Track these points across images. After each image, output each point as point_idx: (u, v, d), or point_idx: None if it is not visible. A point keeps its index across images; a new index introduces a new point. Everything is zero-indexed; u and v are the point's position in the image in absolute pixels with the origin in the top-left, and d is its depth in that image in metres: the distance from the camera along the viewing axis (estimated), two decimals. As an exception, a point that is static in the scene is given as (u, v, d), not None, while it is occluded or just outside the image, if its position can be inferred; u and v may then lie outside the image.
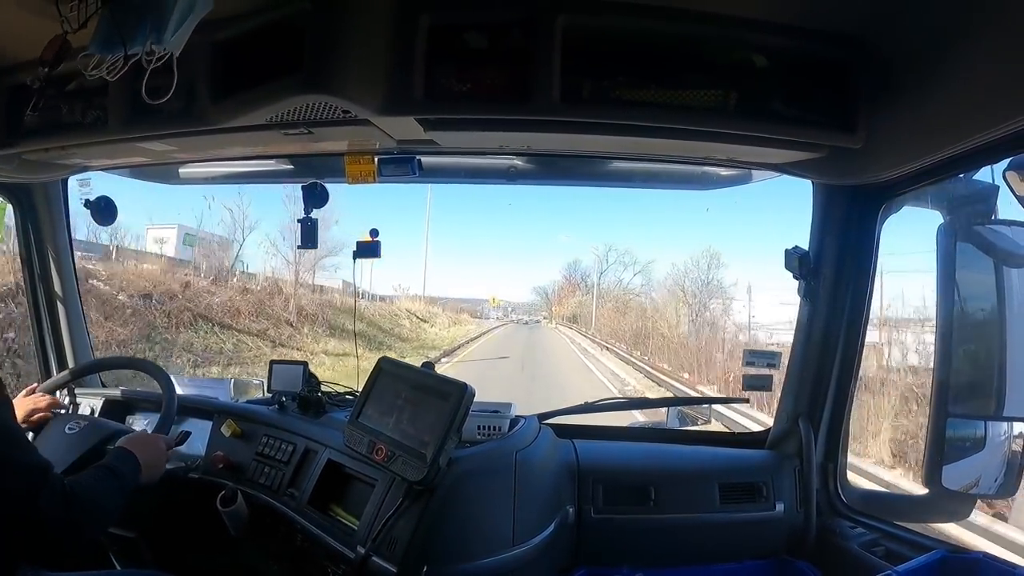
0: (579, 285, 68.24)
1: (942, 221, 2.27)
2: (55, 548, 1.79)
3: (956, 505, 2.53)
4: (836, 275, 2.58)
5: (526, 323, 67.38)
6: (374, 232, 3.12)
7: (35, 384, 2.86)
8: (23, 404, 2.69)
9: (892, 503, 3.08)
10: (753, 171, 2.77)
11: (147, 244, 26.51)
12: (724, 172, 2.90)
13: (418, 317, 40.40)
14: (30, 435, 2.72)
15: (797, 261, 2.62)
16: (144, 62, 1.67)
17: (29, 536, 1.73)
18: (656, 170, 3.00)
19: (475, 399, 2.15)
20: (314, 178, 3.03)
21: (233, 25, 2.00)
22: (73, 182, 3.27)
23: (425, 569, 2.06)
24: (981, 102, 1.70)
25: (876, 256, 2.52)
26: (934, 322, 2.30)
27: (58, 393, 3.12)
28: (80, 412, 3.11)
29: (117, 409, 3.13)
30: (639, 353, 33.47)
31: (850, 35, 1.96)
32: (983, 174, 2.12)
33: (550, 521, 2.42)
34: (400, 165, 2.75)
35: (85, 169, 3.08)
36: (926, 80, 1.84)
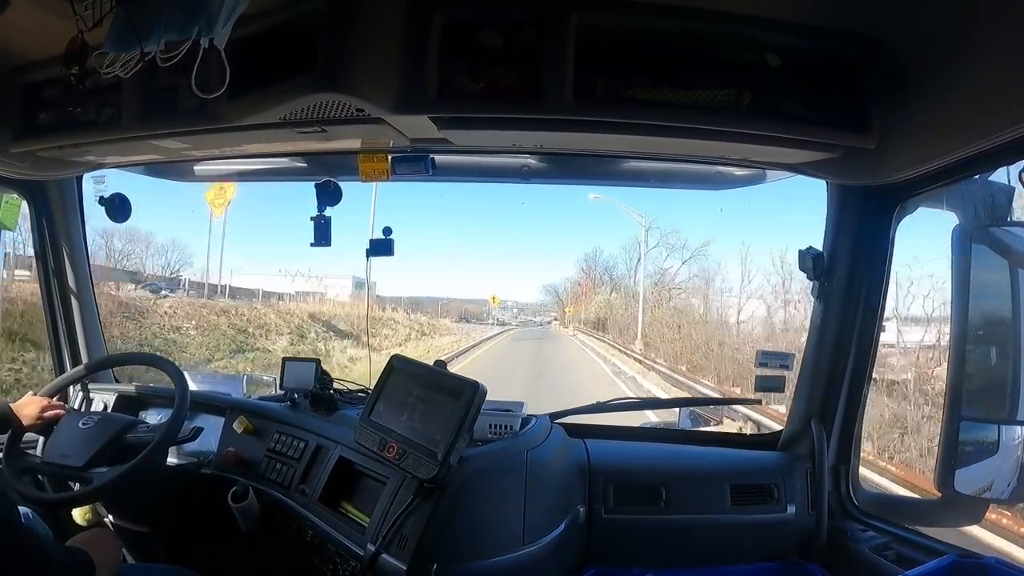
0: (600, 280, 52.90)
1: (957, 223, 2.26)
2: None
3: (968, 509, 2.51)
4: (850, 276, 2.57)
5: (538, 324, 60.64)
6: (387, 230, 3.13)
7: (33, 390, 2.85)
8: (31, 403, 2.70)
9: (904, 506, 3.06)
10: (767, 171, 2.76)
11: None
12: (738, 172, 2.88)
13: (335, 330, 25.55)
14: (40, 439, 2.75)
15: (811, 262, 2.61)
16: (159, 60, 1.67)
17: None
18: (670, 170, 2.99)
19: (487, 397, 2.16)
20: (327, 176, 3.04)
21: (247, 24, 2.00)
22: (88, 179, 3.29)
23: (435, 567, 2.07)
24: (997, 102, 1.69)
25: (891, 257, 2.51)
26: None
27: (71, 390, 3.15)
28: (93, 408, 3.14)
29: (130, 404, 3.15)
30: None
31: (863, 34, 1.95)
32: (999, 175, 2.11)
33: (560, 520, 2.42)
34: (413, 163, 2.76)
35: (100, 166, 3.10)
36: (940, 80, 1.83)
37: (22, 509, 2.27)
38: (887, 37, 1.93)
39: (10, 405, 2.66)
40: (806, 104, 2.02)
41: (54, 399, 2.83)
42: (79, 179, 3.28)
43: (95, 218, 3.32)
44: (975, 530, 5.53)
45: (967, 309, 2.21)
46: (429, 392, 2.22)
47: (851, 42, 1.96)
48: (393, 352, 2.87)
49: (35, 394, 2.79)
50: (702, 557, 2.63)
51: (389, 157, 2.77)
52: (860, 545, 2.51)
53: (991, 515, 5.93)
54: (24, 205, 3.23)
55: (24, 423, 2.65)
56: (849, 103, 2.01)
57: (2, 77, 2.51)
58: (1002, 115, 1.68)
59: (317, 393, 2.87)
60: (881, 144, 2.02)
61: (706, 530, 2.65)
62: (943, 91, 1.83)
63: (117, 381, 3.48)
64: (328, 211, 3.10)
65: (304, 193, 3.11)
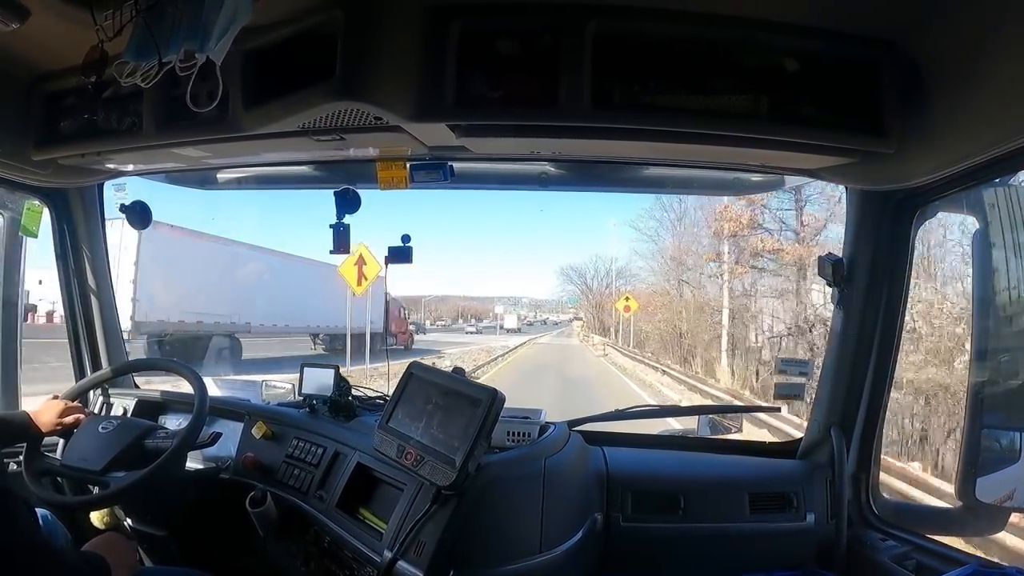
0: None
1: (978, 227, 2.24)
2: None
3: (990, 518, 2.49)
4: (870, 282, 2.55)
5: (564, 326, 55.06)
6: (405, 238, 3.14)
7: (54, 394, 2.87)
8: (50, 409, 2.73)
9: (924, 515, 3.04)
10: (786, 176, 2.74)
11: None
12: (756, 177, 2.87)
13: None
14: (61, 442, 2.77)
15: (831, 268, 2.59)
16: (178, 69, 1.69)
17: None
18: (688, 176, 2.98)
19: (505, 405, 2.15)
20: (346, 183, 3.06)
21: (266, 34, 2.02)
22: (109, 187, 3.32)
23: (452, 573, 2.07)
24: (1017, 103, 1.67)
25: (911, 262, 2.49)
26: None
27: (91, 394, 3.17)
28: (113, 413, 3.16)
29: (149, 409, 3.18)
30: None
31: (881, 37, 1.94)
32: (1020, 178, 2.10)
33: (578, 528, 2.42)
34: (432, 171, 2.76)
35: (120, 174, 3.12)
36: (959, 82, 1.81)
37: (40, 511, 2.30)
38: (905, 40, 1.91)
39: (29, 414, 2.69)
40: (824, 109, 2.01)
41: (75, 402, 2.85)
42: (100, 187, 3.30)
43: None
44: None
45: (989, 315, 2.20)
46: (447, 399, 2.21)
47: (869, 46, 1.95)
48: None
49: (56, 397, 2.81)
50: (720, 566, 2.62)
51: (408, 165, 2.77)
52: (880, 555, 2.49)
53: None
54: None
55: (43, 430, 2.67)
56: (868, 107, 1.99)
57: (24, 86, 2.54)
58: (1022, 116, 1.67)
59: (336, 399, 2.88)
60: (900, 148, 2.00)
61: (724, 539, 2.64)
62: (962, 93, 1.82)
63: (137, 386, 3.51)
64: (347, 219, 3.12)
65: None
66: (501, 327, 59.77)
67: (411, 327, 35.99)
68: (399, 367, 2.55)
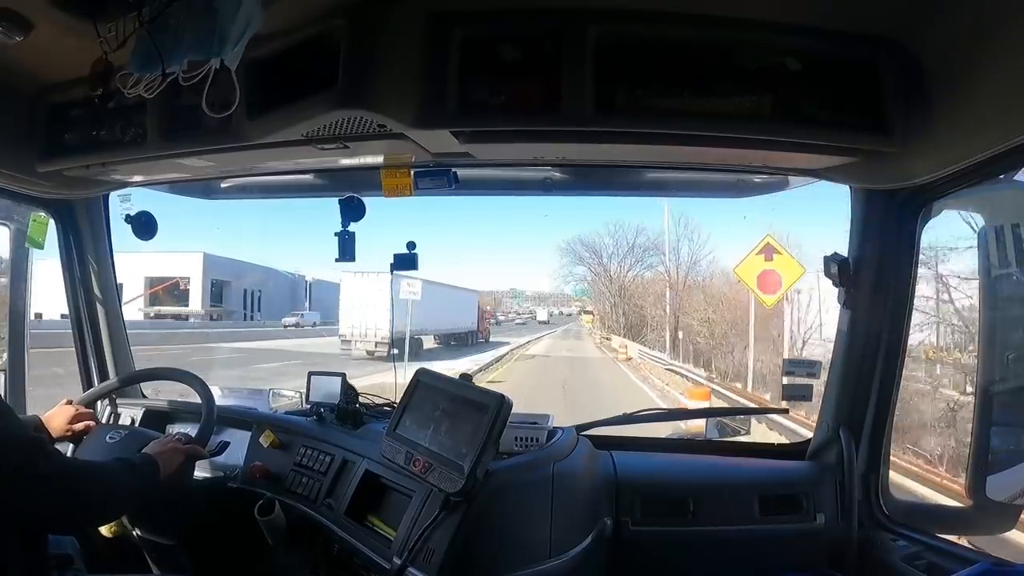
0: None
1: (983, 224, 2.23)
2: (56, 513, 1.88)
3: (1000, 516, 2.48)
4: (876, 281, 2.53)
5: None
6: (411, 245, 3.14)
7: (68, 399, 2.88)
8: (61, 413, 2.74)
9: (935, 515, 3.02)
10: (790, 177, 2.74)
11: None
12: (760, 179, 2.87)
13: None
14: (71, 447, 2.78)
15: (836, 268, 2.58)
16: (181, 80, 1.69)
17: (30, 502, 1.79)
18: (691, 179, 2.97)
19: (512, 410, 2.15)
20: (351, 191, 3.05)
21: (269, 43, 2.03)
22: (114, 197, 3.32)
23: None
24: (1019, 99, 1.66)
25: (916, 261, 2.48)
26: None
27: (99, 404, 3.17)
28: (121, 422, 3.17)
29: (157, 419, 3.18)
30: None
31: (883, 36, 1.94)
32: (1024, 174, 2.09)
33: (587, 533, 2.41)
34: (436, 178, 2.75)
35: (125, 185, 3.13)
36: (962, 79, 1.81)
37: None
38: (907, 38, 1.91)
39: (40, 418, 2.70)
40: (827, 108, 2.01)
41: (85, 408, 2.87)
42: (105, 198, 3.32)
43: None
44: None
45: (996, 312, 2.19)
46: (455, 406, 2.21)
47: (871, 44, 1.95)
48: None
49: (69, 402, 2.82)
50: (730, 569, 2.61)
51: (412, 172, 2.77)
52: (891, 555, 2.48)
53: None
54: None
55: (54, 435, 2.68)
56: (871, 106, 1.99)
57: (28, 98, 2.55)
58: None
59: (343, 407, 2.88)
60: (904, 146, 2.00)
61: (734, 542, 2.62)
62: (965, 90, 1.81)
63: (144, 396, 3.51)
64: (352, 226, 3.12)
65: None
66: (534, 319, 64.35)
67: (492, 322, 46.41)
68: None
